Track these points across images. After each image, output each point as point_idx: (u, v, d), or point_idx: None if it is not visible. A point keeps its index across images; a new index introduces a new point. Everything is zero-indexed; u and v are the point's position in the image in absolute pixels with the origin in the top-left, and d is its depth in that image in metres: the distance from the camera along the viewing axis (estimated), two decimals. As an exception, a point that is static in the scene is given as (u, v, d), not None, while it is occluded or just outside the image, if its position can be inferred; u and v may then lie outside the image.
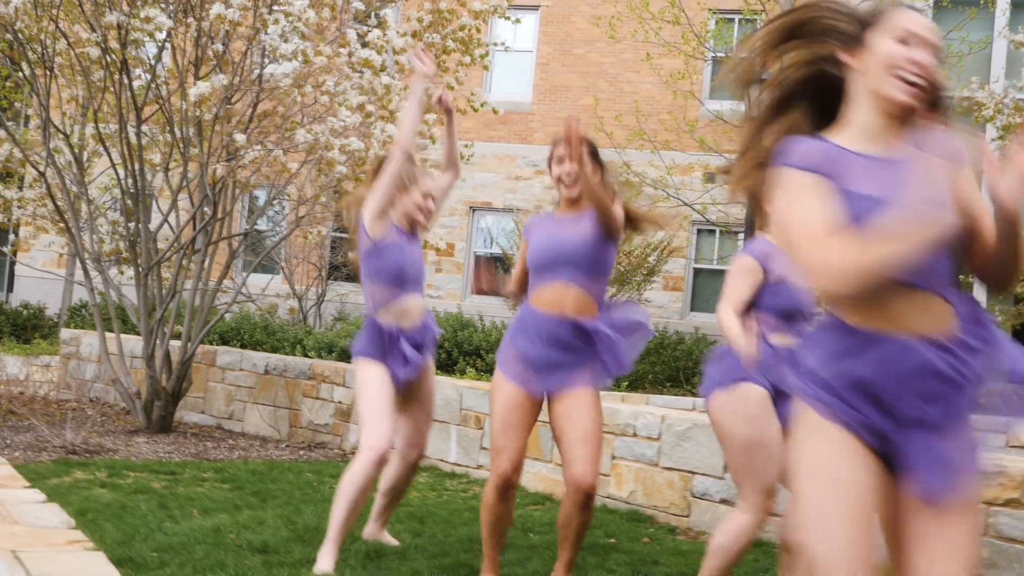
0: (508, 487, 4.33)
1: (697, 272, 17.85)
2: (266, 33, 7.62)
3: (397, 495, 5.25)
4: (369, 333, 4.90)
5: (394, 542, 5.21)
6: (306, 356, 10.28)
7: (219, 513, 5.62)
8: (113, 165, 8.87)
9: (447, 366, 11.32)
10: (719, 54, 16.09)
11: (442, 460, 7.90)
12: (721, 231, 17.09)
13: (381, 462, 4.72)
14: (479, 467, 7.58)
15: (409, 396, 5.09)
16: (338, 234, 15.88)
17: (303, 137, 7.67)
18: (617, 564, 5.11)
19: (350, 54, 8.16)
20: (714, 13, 16.59)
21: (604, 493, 6.73)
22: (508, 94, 18.34)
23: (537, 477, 7.20)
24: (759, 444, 4.01)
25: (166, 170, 8.73)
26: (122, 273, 9.76)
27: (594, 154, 4.39)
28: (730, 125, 14.17)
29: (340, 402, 8.69)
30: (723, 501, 6.11)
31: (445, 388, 7.87)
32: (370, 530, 5.27)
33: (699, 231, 17.80)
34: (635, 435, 6.61)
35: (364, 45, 8.33)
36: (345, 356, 9.59)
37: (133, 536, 4.90)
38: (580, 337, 4.33)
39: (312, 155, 8.03)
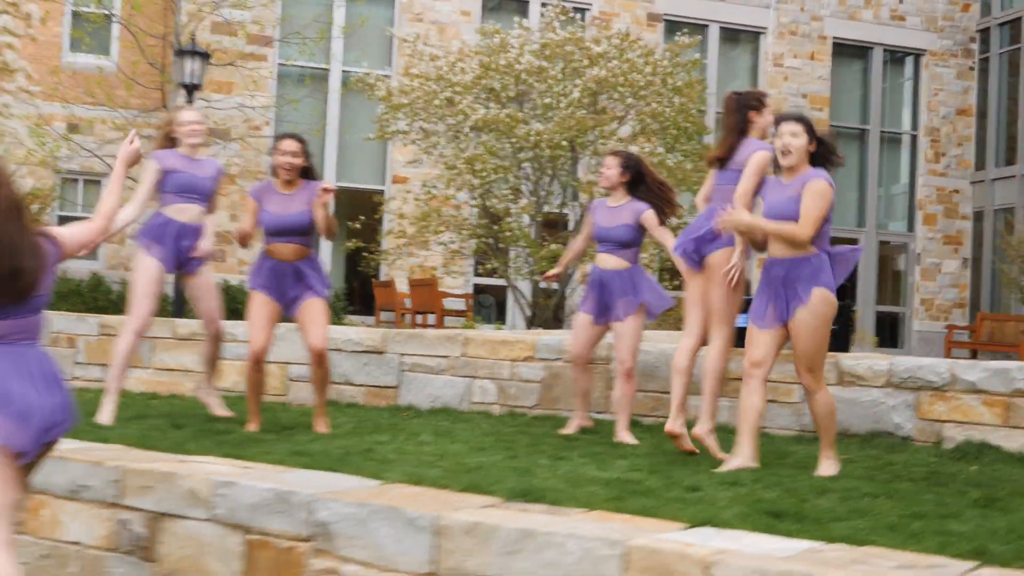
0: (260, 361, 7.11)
1: (63, 219, 19.55)
2: None
3: None
4: None
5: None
6: None
7: None
8: None
9: None
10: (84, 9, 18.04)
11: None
12: (85, 180, 19.06)
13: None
14: (74, 379, 9.52)
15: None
16: None
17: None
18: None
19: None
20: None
21: (220, 387, 9.23)
22: None
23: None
24: None
25: None
26: None
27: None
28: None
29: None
30: (315, 381, 9.02)
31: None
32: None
33: (64, 180, 19.50)
34: (236, 341, 9.22)
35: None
36: None
37: None
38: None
39: None
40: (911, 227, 24.09)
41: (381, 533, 4.63)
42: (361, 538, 4.68)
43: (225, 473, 5.21)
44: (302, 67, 20.25)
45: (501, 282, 20.22)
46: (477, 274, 20.12)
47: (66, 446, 5.60)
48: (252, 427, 7.16)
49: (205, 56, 15.15)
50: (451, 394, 8.77)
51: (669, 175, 14.73)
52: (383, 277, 20.06)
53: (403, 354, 8.90)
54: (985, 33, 24.27)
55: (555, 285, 14.84)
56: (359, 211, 17.36)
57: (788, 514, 4.77)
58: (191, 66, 14.86)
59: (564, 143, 14.20)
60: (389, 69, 20.44)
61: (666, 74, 15.14)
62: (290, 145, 7.03)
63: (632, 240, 7.53)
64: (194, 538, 5.13)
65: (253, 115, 18.64)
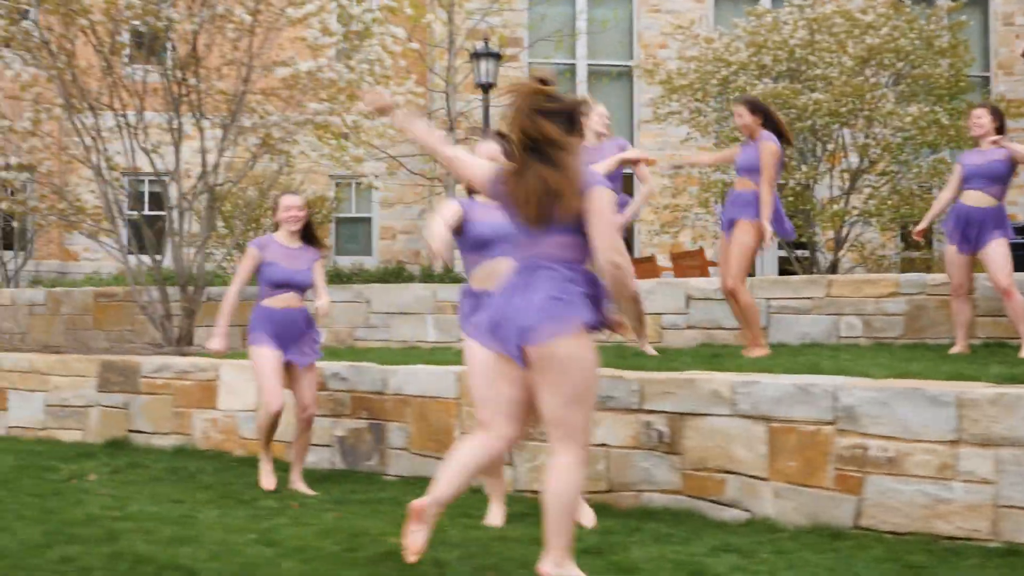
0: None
1: (340, 221, 21.08)
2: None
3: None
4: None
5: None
6: None
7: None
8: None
9: None
10: None
11: None
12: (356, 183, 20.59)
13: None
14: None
15: None
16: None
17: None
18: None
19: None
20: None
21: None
22: None
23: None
24: None
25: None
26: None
27: None
28: None
29: None
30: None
31: None
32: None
33: (337, 184, 21.06)
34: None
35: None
36: None
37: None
38: None
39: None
40: None
41: (903, 411, 5.41)
42: (884, 417, 5.47)
43: (740, 377, 6.09)
44: (553, 63, 21.29)
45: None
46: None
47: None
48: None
49: (497, 56, 16.33)
50: (818, 331, 9.52)
51: (941, 133, 15.26)
52: (637, 254, 20.92)
53: (770, 298, 9.70)
54: None
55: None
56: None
57: None
58: (486, 66, 16.06)
59: (842, 110, 14.78)
60: (631, 60, 21.28)
61: (932, 37, 15.56)
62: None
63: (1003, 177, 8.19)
64: (718, 431, 6.02)
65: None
